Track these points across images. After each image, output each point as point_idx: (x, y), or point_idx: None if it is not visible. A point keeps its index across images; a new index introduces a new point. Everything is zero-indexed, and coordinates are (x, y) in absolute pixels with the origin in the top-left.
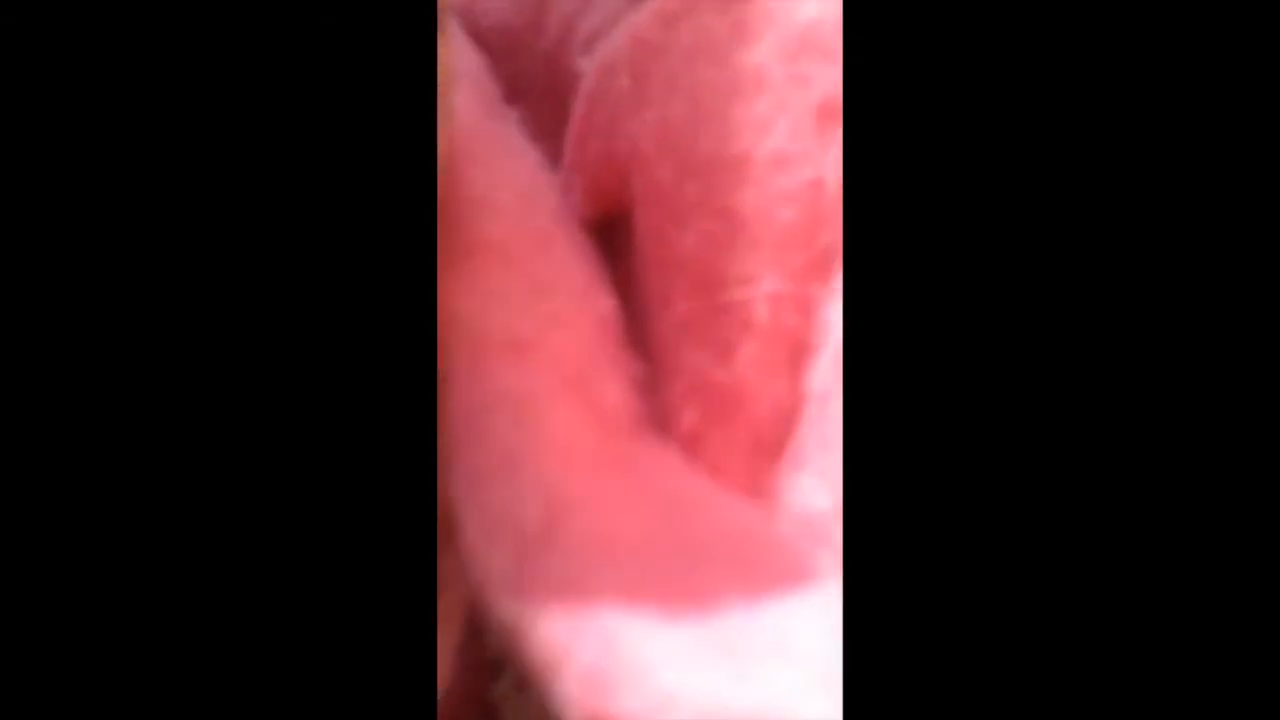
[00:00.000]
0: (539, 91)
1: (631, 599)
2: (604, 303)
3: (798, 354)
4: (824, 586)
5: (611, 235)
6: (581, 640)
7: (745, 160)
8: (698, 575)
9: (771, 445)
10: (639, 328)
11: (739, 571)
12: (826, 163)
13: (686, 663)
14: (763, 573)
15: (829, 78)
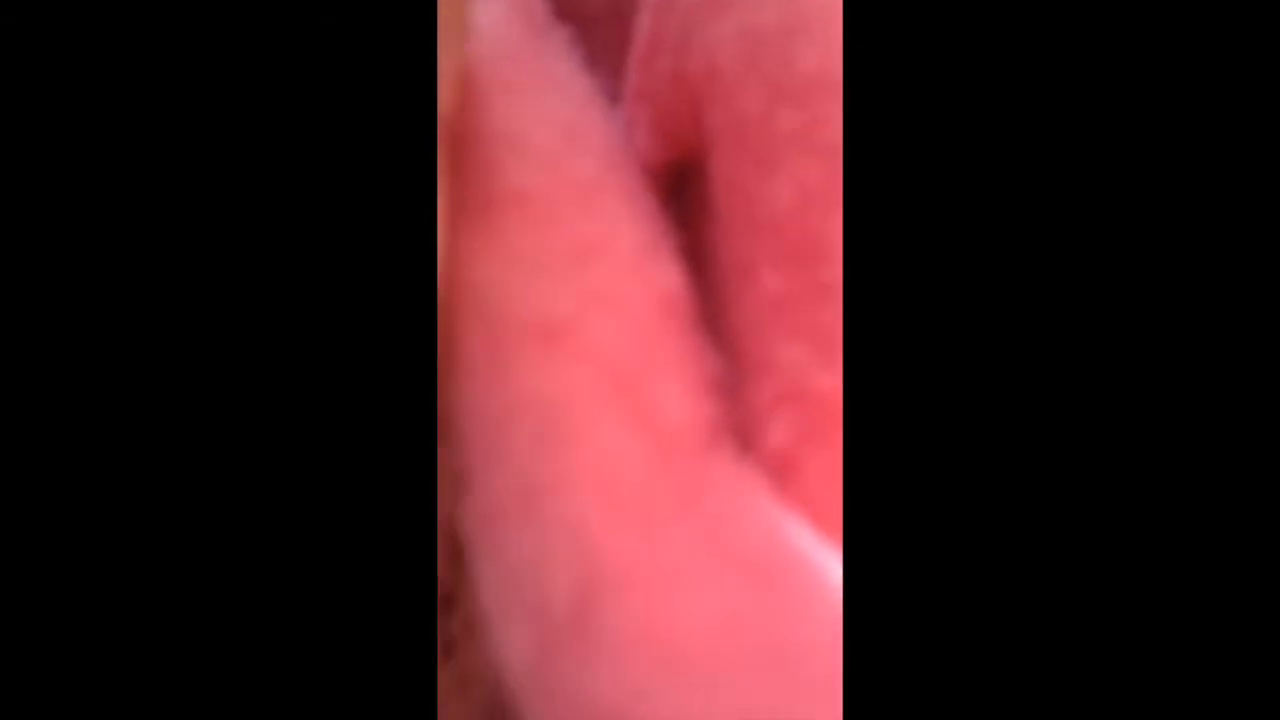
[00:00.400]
0: (600, 8)
1: None
2: (667, 275)
3: None
4: None
5: (686, 189)
6: None
7: None
8: (790, 696)
9: None
10: (715, 309)
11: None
12: None
13: None
14: None
15: None
